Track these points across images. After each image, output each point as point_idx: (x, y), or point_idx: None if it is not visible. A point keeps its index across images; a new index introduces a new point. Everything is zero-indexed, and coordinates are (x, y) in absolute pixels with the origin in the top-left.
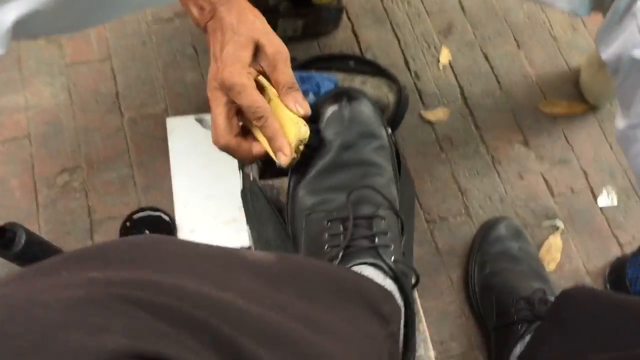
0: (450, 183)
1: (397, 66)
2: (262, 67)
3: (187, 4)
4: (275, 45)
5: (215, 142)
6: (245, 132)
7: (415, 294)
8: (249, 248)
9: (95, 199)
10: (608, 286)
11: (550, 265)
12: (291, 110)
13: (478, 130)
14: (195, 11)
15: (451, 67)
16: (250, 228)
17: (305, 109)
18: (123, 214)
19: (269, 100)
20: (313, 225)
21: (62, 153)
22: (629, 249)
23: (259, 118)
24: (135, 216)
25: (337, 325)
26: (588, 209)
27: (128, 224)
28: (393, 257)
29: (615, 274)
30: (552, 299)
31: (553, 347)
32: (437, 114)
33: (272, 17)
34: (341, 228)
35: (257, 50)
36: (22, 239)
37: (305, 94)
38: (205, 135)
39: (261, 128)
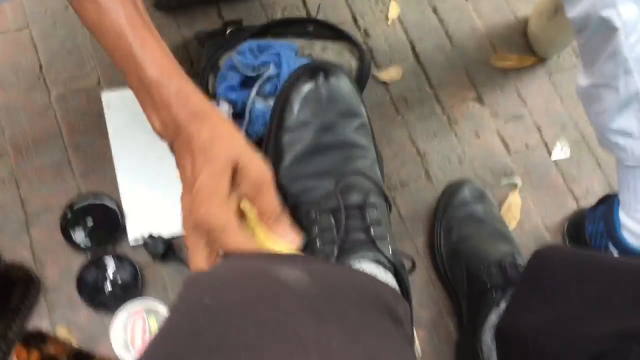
0: (408, 146)
1: (345, 24)
2: (242, 191)
3: (146, 111)
4: (257, 168)
5: None
6: None
7: None
8: None
9: (28, 189)
10: (567, 241)
11: (511, 224)
12: (283, 243)
13: (432, 89)
14: (156, 124)
15: (400, 22)
16: None
17: (298, 238)
18: (62, 204)
19: (252, 224)
20: (299, 219)
21: None
22: (584, 203)
23: None
24: (76, 205)
25: (382, 352)
26: (543, 163)
27: (69, 214)
28: (391, 249)
29: (574, 229)
30: (520, 261)
31: (536, 313)
32: (390, 73)
33: None
34: (332, 220)
35: (236, 171)
36: None
37: (265, 65)
38: None
39: None
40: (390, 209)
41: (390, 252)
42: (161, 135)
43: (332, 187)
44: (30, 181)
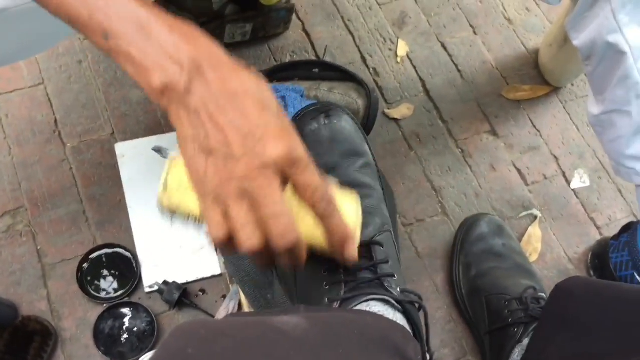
0: (423, 182)
1: (354, 63)
2: None
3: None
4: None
5: (284, 240)
6: None
7: None
8: (221, 275)
9: (44, 241)
10: (592, 272)
11: (532, 257)
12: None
13: (445, 123)
14: (160, 77)
15: (409, 59)
16: (226, 261)
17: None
18: (78, 255)
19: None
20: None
21: (1, 194)
22: (606, 232)
23: (328, 202)
24: (92, 255)
25: None
26: (562, 194)
27: (85, 265)
28: (399, 288)
29: (598, 259)
30: (543, 295)
31: (561, 349)
32: (401, 111)
33: (219, 23)
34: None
35: None
36: None
37: None
38: (160, 158)
39: (324, 216)
40: (398, 250)
41: (399, 291)
42: (164, 90)
43: None
44: (47, 233)
